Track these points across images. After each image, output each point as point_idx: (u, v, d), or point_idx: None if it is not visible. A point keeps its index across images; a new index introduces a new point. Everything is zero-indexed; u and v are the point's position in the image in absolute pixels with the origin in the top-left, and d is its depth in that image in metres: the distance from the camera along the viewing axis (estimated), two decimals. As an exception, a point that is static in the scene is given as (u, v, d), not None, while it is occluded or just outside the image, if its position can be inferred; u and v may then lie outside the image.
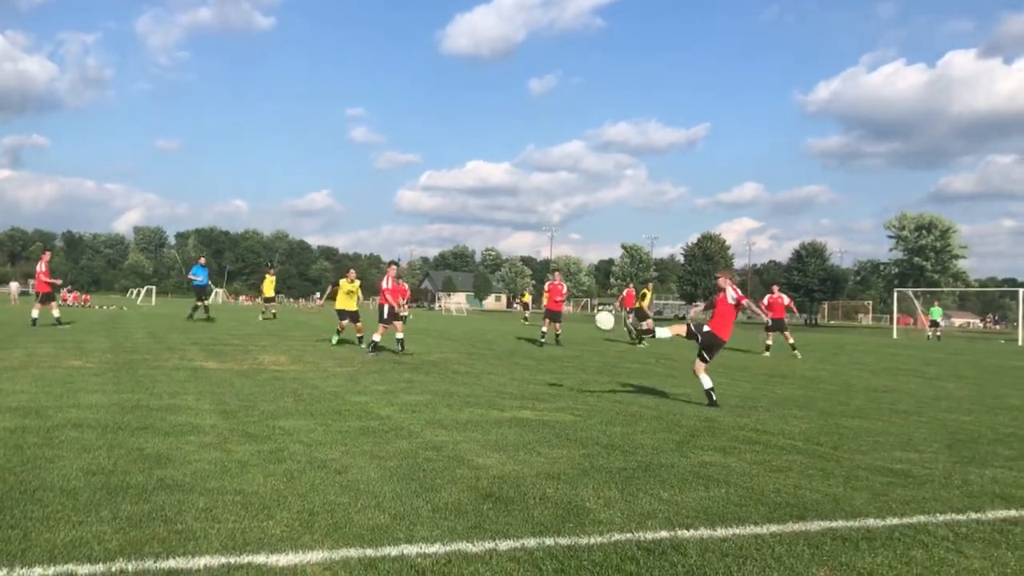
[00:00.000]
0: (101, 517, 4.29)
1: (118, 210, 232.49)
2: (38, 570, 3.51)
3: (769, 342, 21.90)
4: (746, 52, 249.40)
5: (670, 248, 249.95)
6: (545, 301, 22.61)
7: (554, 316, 22.00)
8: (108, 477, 5.13)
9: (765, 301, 21.96)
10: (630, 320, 24.84)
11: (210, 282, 31.27)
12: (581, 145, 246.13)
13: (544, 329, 21.85)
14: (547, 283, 23.53)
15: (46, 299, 21.42)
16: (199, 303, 27.44)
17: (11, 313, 30.60)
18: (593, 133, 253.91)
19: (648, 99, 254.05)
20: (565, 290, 23.44)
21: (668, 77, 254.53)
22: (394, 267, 17.35)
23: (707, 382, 10.03)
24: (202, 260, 28.01)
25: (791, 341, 21.82)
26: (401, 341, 16.63)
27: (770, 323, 21.16)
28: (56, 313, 21.33)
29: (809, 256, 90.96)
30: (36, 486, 4.84)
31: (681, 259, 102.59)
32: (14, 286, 58.50)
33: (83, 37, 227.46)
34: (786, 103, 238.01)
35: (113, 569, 3.56)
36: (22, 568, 3.53)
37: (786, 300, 22.74)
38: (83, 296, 55.59)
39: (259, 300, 30.73)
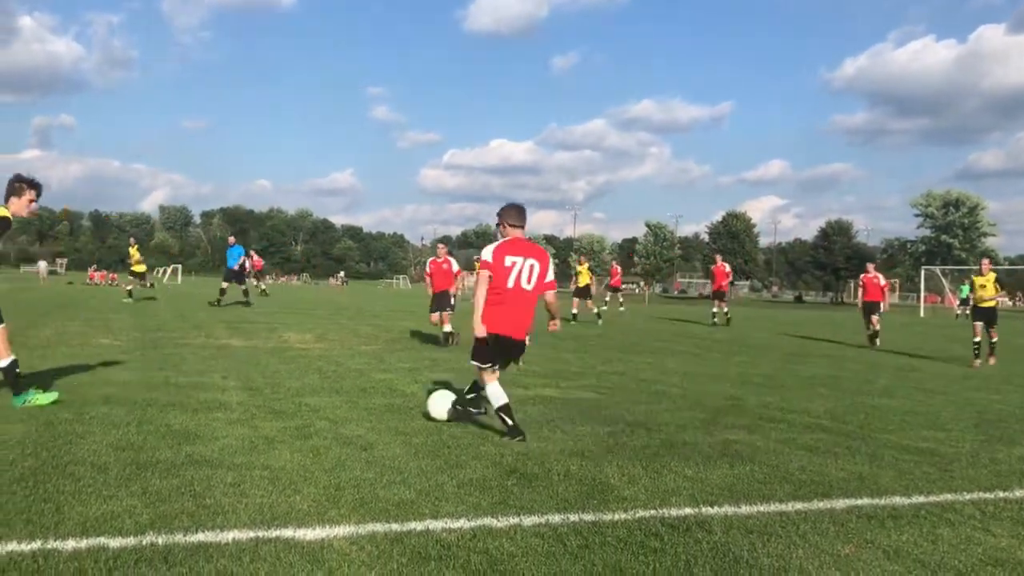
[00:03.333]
0: (131, 491, 4.36)
1: (144, 190, 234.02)
2: (71, 542, 3.58)
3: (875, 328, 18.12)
4: (771, 28, 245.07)
5: (695, 226, 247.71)
6: (712, 284, 23.33)
7: (720, 296, 24.07)
8: (138, 453, 5.21)
9: (861, 281, 19.17)
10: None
11: (244, 260, 24.99)
12: (604, 123, 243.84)
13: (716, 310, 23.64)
14: (714, 267, 24.87)
15: None
16: (224, 286, 23.63)
17: (40, 292, 31.04)
18: (616, 111, 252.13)
19: (672, 76, 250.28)
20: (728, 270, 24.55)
21: (692, 54, 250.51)
22: (442, 246, 15.32)
23: None
24: (231, 240, 25.14)
25: (878, 328, 18.12)
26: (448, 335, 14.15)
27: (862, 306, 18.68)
28: None
29: (835, 234, 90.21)
30: (68, 461, 4.92)
31: (706, 237, 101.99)
32: (42, 265, 59.37)
33: (109, 18, 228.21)
34: (812, 80, 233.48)
35: (143, 542, 3.62)
36: (56, 540, 3.59)
37: (882, 281, 18.99)
38: (110, 275, 56.34)
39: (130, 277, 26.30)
